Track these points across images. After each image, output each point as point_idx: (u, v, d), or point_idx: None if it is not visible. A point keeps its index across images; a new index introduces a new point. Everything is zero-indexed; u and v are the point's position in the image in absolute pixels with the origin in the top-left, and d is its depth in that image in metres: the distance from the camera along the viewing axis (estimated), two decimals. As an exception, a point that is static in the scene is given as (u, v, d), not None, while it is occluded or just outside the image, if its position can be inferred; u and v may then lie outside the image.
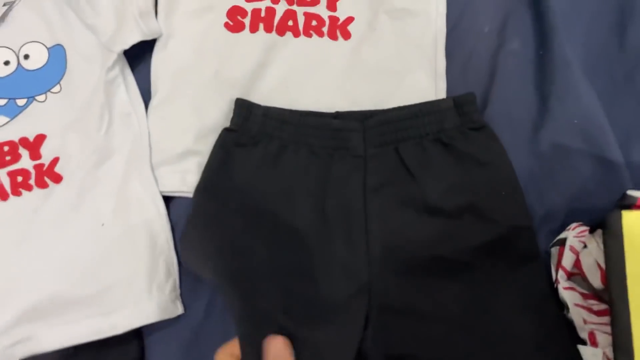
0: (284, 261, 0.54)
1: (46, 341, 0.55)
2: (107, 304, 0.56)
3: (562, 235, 0.53)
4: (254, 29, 0.62)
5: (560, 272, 0.52)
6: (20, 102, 0.61)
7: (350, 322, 0.53)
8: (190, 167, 0.60)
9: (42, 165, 0.59)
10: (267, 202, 0.55)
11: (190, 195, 0.58)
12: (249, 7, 0.62)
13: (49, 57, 0.62)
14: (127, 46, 0.62)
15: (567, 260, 0.52)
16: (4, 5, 0.62)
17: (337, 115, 0.58)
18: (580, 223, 0.53)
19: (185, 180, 0.60)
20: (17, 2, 0.62)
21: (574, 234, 0.52)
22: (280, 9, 0.62)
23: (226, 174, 0.56)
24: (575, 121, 0.57)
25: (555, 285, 0.52)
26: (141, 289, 0.57)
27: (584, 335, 0.50)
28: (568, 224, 0.54)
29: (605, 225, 0.50)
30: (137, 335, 0.59)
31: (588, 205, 0.56)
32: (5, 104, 0.61)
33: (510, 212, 0.54)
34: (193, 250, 0.57)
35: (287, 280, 0.53)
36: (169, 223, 0.61)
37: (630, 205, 0.48)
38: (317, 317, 0.53)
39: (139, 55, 0.63)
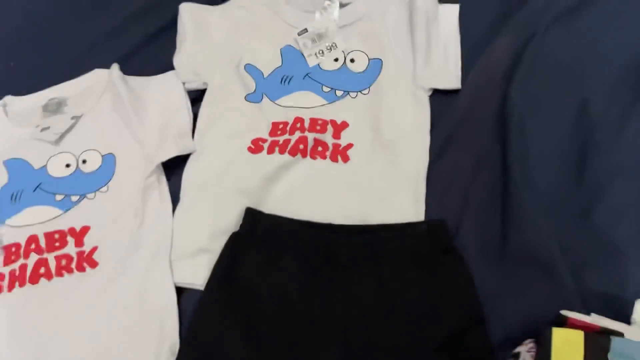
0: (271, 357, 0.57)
1: None
2: None
3: (516, 350, 0.54)
4: (270, 151, 0.69)
5: None
6: (74, 198, 0.67)
7: None
8: (201, 262, 0.63)
9: (83, 252, 0.63)
10: (263, 303, 0.59)
11: (199, 287, 0.62)
12: (269, 139, 0.70)
13: (102, 163, 0.69)
14: (165, 159, 0.68)
15: None
16: (72, 118, 0.72)
17: (330, 227, 0.62)
18: (533, 340, 0.54)
19: (196, 273, 0.62)
20: (83, 115, 0.72)
21: (526, 349, 0.53)
22: (296, 136, 0.69)
23: (231, 274, 0.60)
24: (530, 252, 0.60)
25: None
26: None
27: None
28: (523, 339, 0.54)
29: (540, 340, 0.51)
30: None
31: (536, 322, 0.54)
32: (62, 199, 0.67)
33: (471, 331, 0.57)
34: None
35: None
36: (177, 312, 0.61)
37: (562, 323, 0.51)
38: None
39: (173, 166, 0.70)
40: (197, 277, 0.63)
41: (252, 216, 0.64)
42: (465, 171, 0.66)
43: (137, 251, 0.64)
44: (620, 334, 0.49)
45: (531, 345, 0.53)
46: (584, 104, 0.66)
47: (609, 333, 0.49)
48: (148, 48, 0.81)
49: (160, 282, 0.63)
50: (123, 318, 0.61)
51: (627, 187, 0.60)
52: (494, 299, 0.58)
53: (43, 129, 0.73)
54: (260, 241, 0.62)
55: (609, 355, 0.46)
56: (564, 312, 0.51)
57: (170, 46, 0.78)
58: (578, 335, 0.48)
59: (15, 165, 0.71)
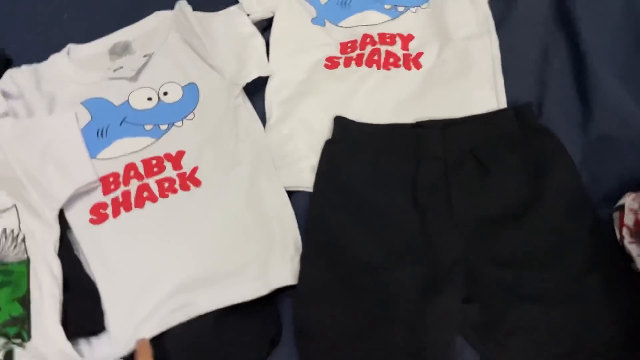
0: (385, 245, 0.59)
1: (202, 305, 0.58)
2: (250, 274, 0.59)
3: (620, 202, 0.58)
4: (347, 65, 0.72)
5: (625, 230, 0.56)
6: (163, 127, 0.69)
7: (451, 293, 0.56)
8: (304, 168, 0.66)
9: (184, 173, 0.65)
10: (369, 197, 0.61)
11: (306, 189, 0.65)
12: (342, 56, 0.73)
13: (183, 93, 0.71)
14: (249, 80, 0.70)
15: (629, 219, 0.56)
16: (144, 56, 0.73)
17: (418, 124, 0.65)
18: (634, 192, 0.58)
19: (301, 177, 0.66)
20: (154, 53, 0.73)
21: (630, 199, 0.57)
22: (368, 49, 0.73)
23: (334, 175, 0.63)
24: (614, 115, 0.64)
25: (620, 242, 0.57)
26: (276, 260, 0.60)
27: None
28: (621, 195, 0.59)
29: None
30: (274, 309, 0.60)
31: (635, 180, 0.60)
32: (151, 129, 0.68)
33: (573, 196, 0.60)
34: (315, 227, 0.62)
35: (393, 265, 0.58)
36: (292, 211, 0.64)
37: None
38: (419, 292, 0.56)
39: (252, 88, 0.72)
40: (303, 180, 0.66)
41: (342, 124, 0.67)
42: (536, 61, 0.70)
43: (238, 165, 0.66)
44: None
45: (634, 195, 0.57)
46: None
47: None
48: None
49: (269, 187, 0.65)
50: (237, 225, 0.63)
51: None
52: (587, 164, 0.62)
53: (116, 69, 0.74)
54: (355, 145, 0.65)
55: None
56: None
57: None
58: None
59: (96, 104, 0.71)
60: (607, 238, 0.57)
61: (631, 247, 0.55)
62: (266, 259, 0.60)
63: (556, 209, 0.59)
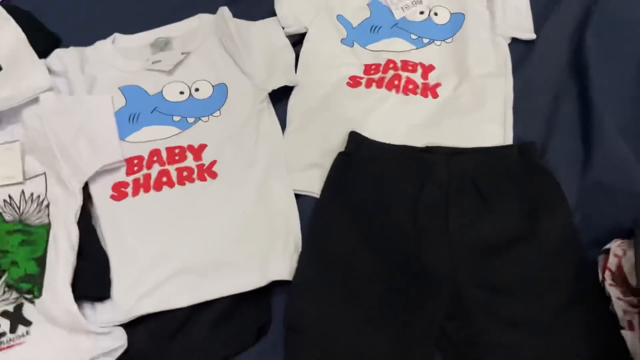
0: (380, 257, 0.63)
1: (205, 293, 0.62)
2: (251, 266, 0.63)
3: (607, 246, 0.62)
4: (368, 86, 0.77)
5: (607, 273, 0.60)
6: (190, 120, 0.73)
7: (434, 307, 0.60)
8: (315, 174, 0.70)
9: (202, 165, 0.70)
10: (371, 211, 0.65)
11: (314, 194, 0.69)
12: (365, 76, 0.78)
13: (213, 92, 0.76)
14: (275, 87, 0.75)
15: (612, 264, 0.60)
16: (182, 54, 0.78)
17: (426, 148, 0.69)
18: (621, 238, 0.62)
19: (311, 183, 0.70)
20: (192, 52, 0.79)
21: (616, 244, 0.61)
22: (390, 74, 0.77)
23: (341, 186, 0.67)
24: (614, 168, 0.68)
25: (602, 283, 0.60)
26: (277, 255, 0.64)
27: (624, 323, 0.57)
28: (610, 239, 0.62)
29: (636, 236, 0.59)
30: (266, 300, 0.64)
31: (624, 228, 0.63)
32: (179, 120, 0.73)
33: (563, 235, 0.63)
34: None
35: (384, 275, 0.62)
36: (297, 212, 0.69)
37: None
38: (405, 303, 0.60)
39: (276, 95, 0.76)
40: (312, 186, 0.70)
41: (356, 139, 0.70)
42: (547, 104, 0.74)
43: (254, 164, 0.70)
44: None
45: (620, 242, 0.60)
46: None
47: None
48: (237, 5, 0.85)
49: (279, 188, 0.69)
50: (246, 220, 0.66)
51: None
52: (582, 207, 0.65)
53: (155, 62, 0.79)
54: (365, 161, 0.68)
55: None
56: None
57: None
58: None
59: (131, 91, 0.77)
60: (591, 278, 0.60)
61: (611, 290, 0.58)
62: (268, 253, 0.64)
63: (546, 246, 0.62)
